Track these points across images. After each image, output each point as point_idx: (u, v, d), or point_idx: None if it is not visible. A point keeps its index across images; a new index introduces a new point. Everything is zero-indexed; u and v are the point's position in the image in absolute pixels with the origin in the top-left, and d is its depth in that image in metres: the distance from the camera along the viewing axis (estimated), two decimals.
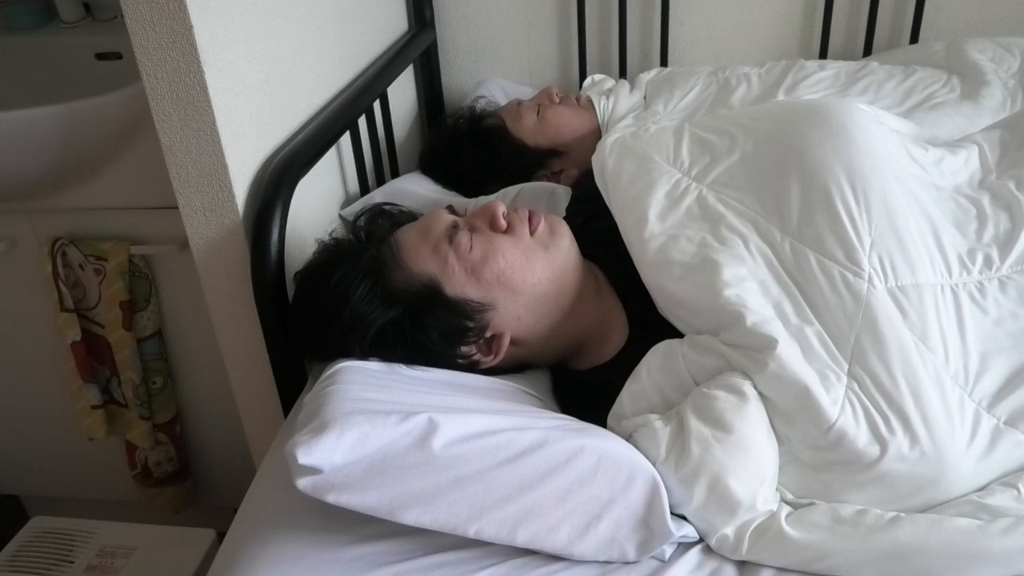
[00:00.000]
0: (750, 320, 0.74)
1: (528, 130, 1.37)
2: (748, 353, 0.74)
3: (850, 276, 0.76)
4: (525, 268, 0.86)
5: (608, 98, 1.44)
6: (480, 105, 1.46)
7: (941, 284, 0.77)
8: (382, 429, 0.64)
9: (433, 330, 0.83)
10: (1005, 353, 0.74)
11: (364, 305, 0.81)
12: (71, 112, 1.13)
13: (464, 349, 0.85)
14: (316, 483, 0.64)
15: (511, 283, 0.85)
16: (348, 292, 0.82)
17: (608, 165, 0.98)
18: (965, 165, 0.90)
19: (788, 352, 0.72)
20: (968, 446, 0.69)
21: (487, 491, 0.66)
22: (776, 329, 0.74)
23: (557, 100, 1.42)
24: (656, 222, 0.88)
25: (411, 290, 0.83)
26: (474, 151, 1.34)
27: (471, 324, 0.84)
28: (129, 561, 1.30)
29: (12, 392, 1.49)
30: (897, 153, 0.88)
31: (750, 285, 0.78)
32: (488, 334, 0.86)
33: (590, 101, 1.44)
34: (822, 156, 0.84)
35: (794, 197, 0.83)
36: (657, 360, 0.79)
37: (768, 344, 0.72)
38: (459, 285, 0.84)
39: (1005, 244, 0.80)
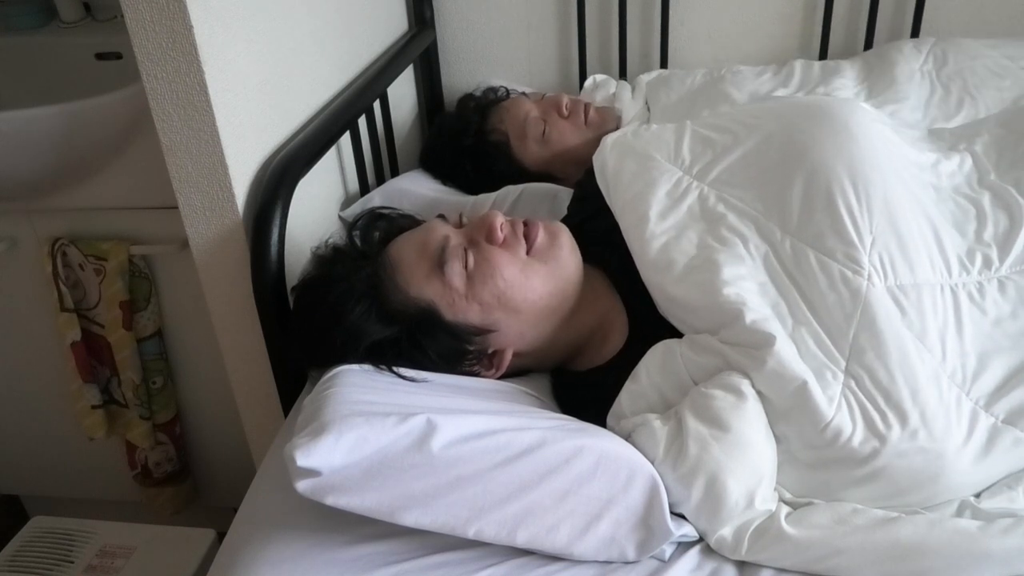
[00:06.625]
0: (749, 318, 0.74)
1: (530, 154, 1.35)
2: (746, 351, 0.73)
3: (849, 273, 0.76)
4: (525, 286, 0.84)
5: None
6: (489, 97, 1.45)
7: (940, 284, 0.77)
8: (381, 431, 0.64)
9: (432, 352, 0.82)
10: (1004, 353, 0.74)
11: (360, 324, 0.81)
12: (71, 112, 1.13)
13: (466, 369, 0.85)
14: (315, 485, 0.64)
15: (511, 303, 0.84)
16: (344, 310, 0.81)
17: (609, 164, 0.97)
18: (960, 168, 0.90)
19: (787, 349, 0.72)
20: (964, 444, 0.69)
21: (486, 492, 0.66)
22: (774, 327, 0.74)
23: (566, 113, 1.37)
24: (657, 221, 0.87)
25: (408, 313, 0.82)
26: (473, 173, 1.35)
27: (471, 348, 0.84)
28: (129, 561, 1.30)
29: (12, 392, 1.48)
30: (898, 153, 0.88)
31: (748, 285, 0.78)
32: (490, 351, 0.86)
33: (598, 113, 1.40)
34: (824, 154, 0.84)
35: (796, 195, 0.83)
36: (656, 360, 0.79)
37: (767, 341, 0.72)
38: (459, 310, 0.83)
39: (1004, 244, 0.80)
